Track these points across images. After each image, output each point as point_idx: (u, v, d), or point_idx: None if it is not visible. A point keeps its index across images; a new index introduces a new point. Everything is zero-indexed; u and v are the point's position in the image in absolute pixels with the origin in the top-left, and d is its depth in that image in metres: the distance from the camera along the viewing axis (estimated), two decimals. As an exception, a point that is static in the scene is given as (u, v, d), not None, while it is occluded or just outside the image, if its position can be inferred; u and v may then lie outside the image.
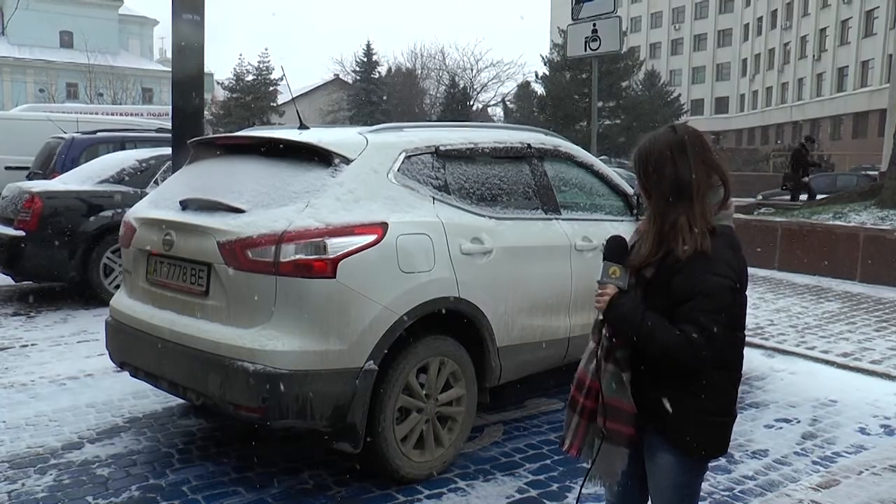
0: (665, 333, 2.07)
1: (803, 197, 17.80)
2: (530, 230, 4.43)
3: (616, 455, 2.22)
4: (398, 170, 3.90)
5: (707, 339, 2.03)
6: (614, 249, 2.22)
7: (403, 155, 3.97)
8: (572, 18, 8.90)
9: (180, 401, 4.56)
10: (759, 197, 23.28)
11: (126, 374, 4.27)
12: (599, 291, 2.18)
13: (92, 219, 7.78)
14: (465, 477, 3.89)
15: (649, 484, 2.31)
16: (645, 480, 2.32)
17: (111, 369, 5.21)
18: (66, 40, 55.51)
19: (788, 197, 18.64)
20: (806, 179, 17.94)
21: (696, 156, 2.14)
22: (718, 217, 2.15)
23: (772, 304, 8.21)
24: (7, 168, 11.76)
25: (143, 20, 63.08)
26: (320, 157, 3.76)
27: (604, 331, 2.23)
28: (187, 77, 6.37)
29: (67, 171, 9.30)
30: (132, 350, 4.01)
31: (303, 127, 4.22)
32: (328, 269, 3.38)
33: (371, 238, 3.52)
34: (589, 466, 2.33)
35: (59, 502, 3.57)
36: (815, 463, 4.15)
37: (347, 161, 3.74)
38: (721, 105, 69.88)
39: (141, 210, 4.19)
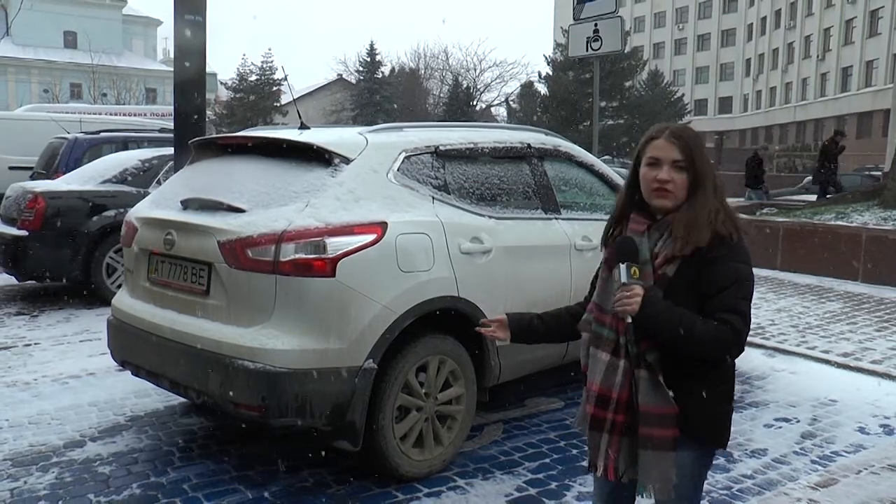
0: (704, 325, 2.06)
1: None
2: (530, 230, 4.45)
3: (667, 461, 2.14)
4: (398, 169, 3.92)
5: (746, 325, 2.09)
6: (628, 250, 2.15)
7: (403, 155, 3.99)
8: (574, 18, 8.90)
9: (182, 399, 4.58)
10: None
11: (128, 372, 4.30)
12: (627, 293, 2.07)
13: (95, 219, 7.81)
14: (464, 475, 3.91)
15: None
16: (634, 481, 2.27)
17: (113, 368, 5.23)
18: (70, 40, 55.64)
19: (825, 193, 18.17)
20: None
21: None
22: None
23: (773, 304, 8.21)
24: (11, 168, 11.81)
25: (147, 20, 63.20)
26: (320, 157, 3.78)
27: (623, 339, 2.17)
28: (189, 77, 6.40)
29: (70, 171, 9.35)
30: (134, 349, 4.03)
31: (303, 127, 4.25)
32: (328, 268, 3.40)
33: (370, 237, 3.54)
34: (614, 482, 2.25)
35: (60, 500, 3.59)
36: (813, 462, 4.16)
37: (347, 161, 3.76)
38: (725, 105, 69.83)
39: (142, 210, 4.21)
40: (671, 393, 2.13)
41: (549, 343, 2.52)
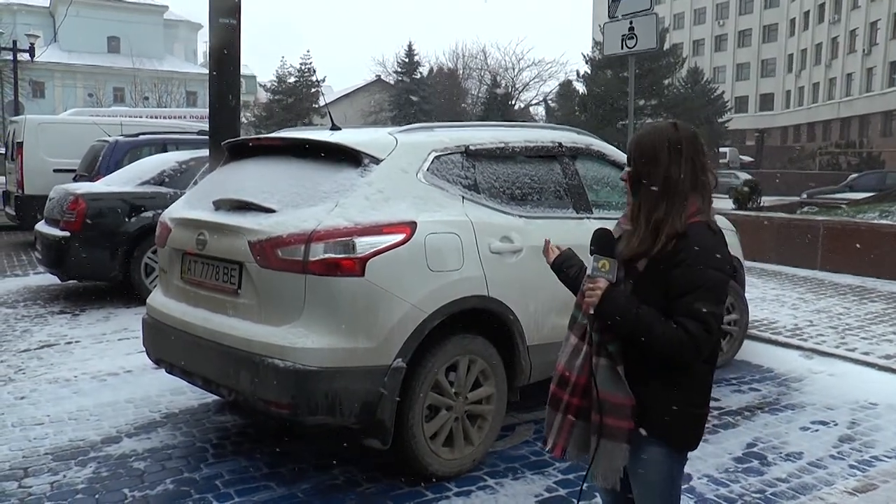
0: (663, 327, 2.07)
1: None
2: (561, 229, 4.41)
3: (617, 452, 2.18)
4: (427, 169, 3.93)
5: (706, 333, 2.06)
6: (602, 242, 2.19)
7: (433, 155, 4.00)
8: (609, 16, 8.83)
9: (216, 397, 4.64)
10: (804, 196, 22.85)
11: (163, 370, 4.37)
12: (590, 286, 2.14)
13: (133, 219, 7.99)
14: (494, 475, 3.90)
15: (633, 479, 2.28)
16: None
17: (150, 366, 5.29)
18: (114, 46, 56.99)
19: None
20: None
21: (697, 153, 2.21)
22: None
23: (812, 305, 8.05)
24: (56, 171, 12.09)
25: (188, 24, 64.38)
26: (350, 158, 3.80)
27: (590, 325, 2.21)
28: (224, 80, 6.49)
29: (111, 173, 9.55)
30: (168, 347, 4.10)
31: (334, 128, 4.28)
32: (356, 267, 3.42)
33: (399, 237, 3.56)
34: (588, 466, 2.27)
35: (97, 494, 3.67)
36: (851, 467, 4.07)
37: (377, 161, 3.78)
38: (766, 102, 68.61)
39: (176, 210, 4.28)
40: (628, 385, 2.15)
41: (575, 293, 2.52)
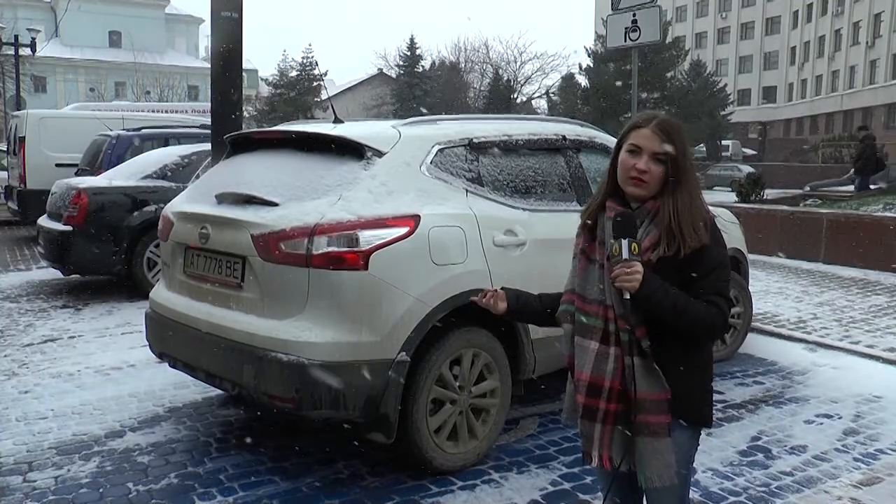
0: (696, 306, 2.08)
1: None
2: (565, 222, 4.35)
3: (665, 447, 2.12)
4: (431, 162, 3.91)
5: (730, 308, 2.14)
6: (629, 224, 2.11)
7: (437, 147, 3.99)
8: (612, 9, 8.80)
9: (219, 391, 4.64)
10: (807, 188, 22.78)
11: (167, 364, 4.36)
12: (628, 269, 2.04)
13: (136, 214, 8.00)
14: (498, 469, 3.90)
15: None
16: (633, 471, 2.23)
17: (153, 360, 5.29)
18: (115, 40, 56.97)
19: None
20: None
21: None
22: None
23: (815, 298, 8.03)
24: (58, 165, 12.08)
25: (189, 19, 64.25)
26: (353, 151, 3.79)
27: (612, 326, 2.15)
28: (225, 74, 6.46)
29: (113, 167, 9.55)
30: (170, 341, 4.09)
31: (337, 121, 4.27)
32: (360, 261, 3.41)
33: (403, 230, 3.54)
34: (612, 475, 2.22)
35: (101, 488, 3.67)
36: (856, 460, 4.05)
37: (380, 154, 3.76)
38: (769, 94, 68.40)
39: (178, 204, 4.27)
40: (680, 376, 2.14)
41: (542, 324, 2.52)
